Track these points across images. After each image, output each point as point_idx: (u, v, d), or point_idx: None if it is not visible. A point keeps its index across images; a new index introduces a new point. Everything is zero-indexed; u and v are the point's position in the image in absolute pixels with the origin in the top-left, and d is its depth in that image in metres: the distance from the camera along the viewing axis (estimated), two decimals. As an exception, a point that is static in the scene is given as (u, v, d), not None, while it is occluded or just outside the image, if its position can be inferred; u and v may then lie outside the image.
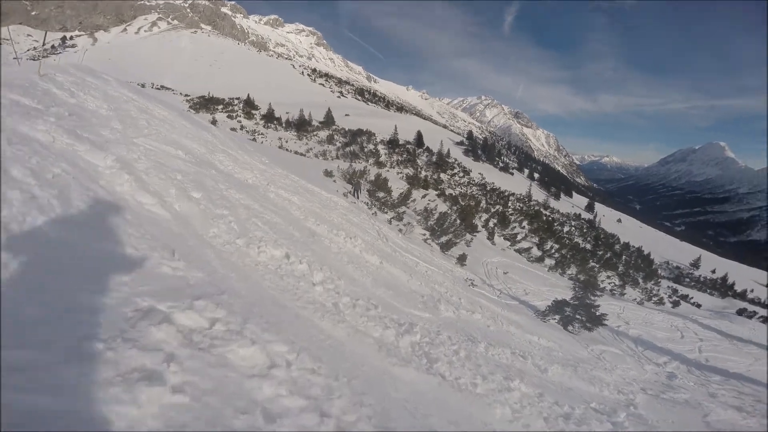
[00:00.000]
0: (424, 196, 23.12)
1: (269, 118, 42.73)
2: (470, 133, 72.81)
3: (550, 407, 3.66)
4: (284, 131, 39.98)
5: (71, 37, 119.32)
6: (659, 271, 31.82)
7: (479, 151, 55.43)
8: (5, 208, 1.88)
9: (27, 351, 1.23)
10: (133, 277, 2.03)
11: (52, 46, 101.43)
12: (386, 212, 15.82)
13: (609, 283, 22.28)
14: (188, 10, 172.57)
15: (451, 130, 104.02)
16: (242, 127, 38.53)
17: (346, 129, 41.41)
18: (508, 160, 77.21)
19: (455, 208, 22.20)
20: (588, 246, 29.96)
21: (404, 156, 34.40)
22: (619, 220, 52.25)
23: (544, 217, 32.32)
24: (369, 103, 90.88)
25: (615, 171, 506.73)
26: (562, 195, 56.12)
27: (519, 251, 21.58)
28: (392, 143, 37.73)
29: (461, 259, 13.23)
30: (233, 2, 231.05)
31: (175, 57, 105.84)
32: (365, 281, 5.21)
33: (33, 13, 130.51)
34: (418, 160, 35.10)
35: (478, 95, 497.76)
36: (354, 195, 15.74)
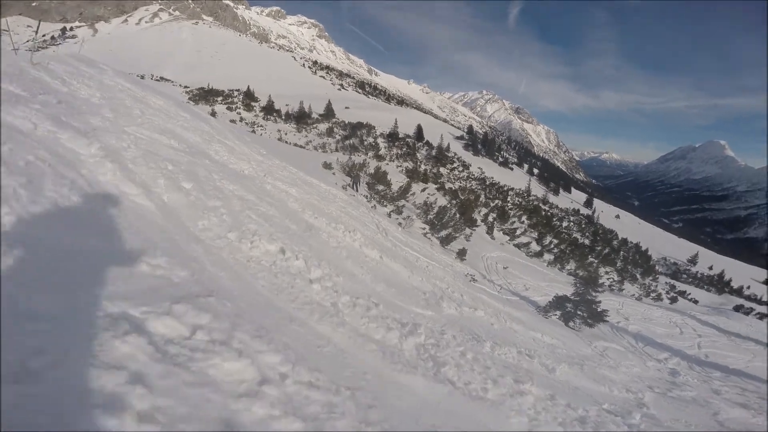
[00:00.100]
0: (423, 190, 22.86)
1: (269, 110, 42.13)
2: (470, 127, 72.30)
3: (564, 411, 3.50)
4: (284, 123, 39.46)
5: (71, 28, 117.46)
6: (657, 267, 31.90)
7: (479, 146, 55.03)
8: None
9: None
10: (105, 277, 1.79)
11: (52, 37, 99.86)
12: (386, 205, 15.59)
13: (608, 279, 22.26)
14: (190, 1, 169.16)
15: (452, 125, 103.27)
16: (242, 119, 37.99)
17: (346, 122, 40.94)
18: (507, 155, 76.84)
19: (455, 202, 21.98)
20: (586, 241, 29.92)
21: (404, 149, 34.03)
22: (618, 216, 52.19)
23: (543, 212, 32.21)
24: (369, 96, 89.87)
25: (614, 167, 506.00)
26: (561, 190, 55.96)
27: (518, 246, 21.48)
28: (392, 136, 37.32)
29: (461, 254, 13.05)
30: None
31: (176, 48, 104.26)
32: (365, 278, 4.99)
33: (34, 4, 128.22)
34: (417, 154, 34.76)
35: (480, 90, 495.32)
36: (353, 188, 15.51)
